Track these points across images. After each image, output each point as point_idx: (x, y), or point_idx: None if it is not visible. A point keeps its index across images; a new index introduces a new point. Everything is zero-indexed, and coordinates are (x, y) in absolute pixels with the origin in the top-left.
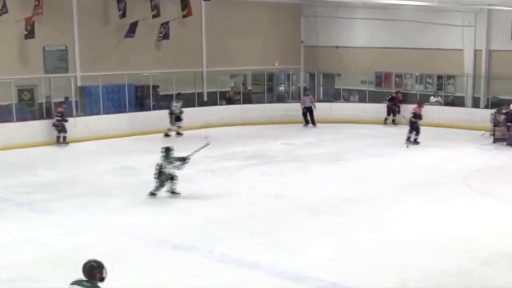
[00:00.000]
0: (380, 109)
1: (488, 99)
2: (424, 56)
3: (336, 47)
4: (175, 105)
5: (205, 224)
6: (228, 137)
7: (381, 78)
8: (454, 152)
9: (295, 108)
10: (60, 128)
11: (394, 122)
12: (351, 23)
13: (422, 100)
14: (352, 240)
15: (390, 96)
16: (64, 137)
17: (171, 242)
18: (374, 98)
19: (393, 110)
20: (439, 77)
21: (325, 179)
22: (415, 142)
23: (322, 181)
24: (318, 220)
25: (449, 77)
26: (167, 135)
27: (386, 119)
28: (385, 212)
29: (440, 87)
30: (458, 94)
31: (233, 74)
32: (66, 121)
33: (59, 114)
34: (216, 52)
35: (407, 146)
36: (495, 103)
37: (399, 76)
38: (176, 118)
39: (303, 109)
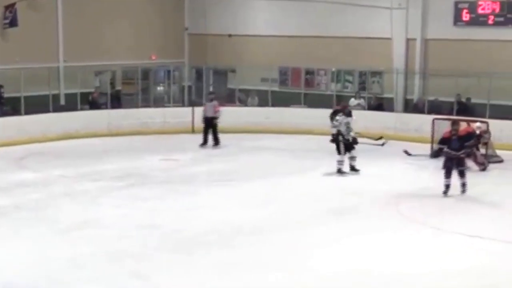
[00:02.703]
0: (286, 114)
1: (424, 102)
2: (342, 47)
3: (230, 35)
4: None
5: (60, 265)
6: (91, 151)
7: (287, 75)
8: (382, 169)
9: (177, 114)
10: None
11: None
12: (248, 5)
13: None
14: (251, 282)
15: (333, 111)
16: None
17: None
18: (278, 100)
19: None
20: (362, 74)
21: (217, 204)
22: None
23: (213, 207)
24: (208, 256)
25: (375, 74)
26: None
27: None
28: (295, 245)
29: (363, 87)
30: (386, 95)
31: (98, 70)
32: None
33: None
34: (76, 42)
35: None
36: (434, 107)
37: (310, 72)
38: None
39: (204, 119)
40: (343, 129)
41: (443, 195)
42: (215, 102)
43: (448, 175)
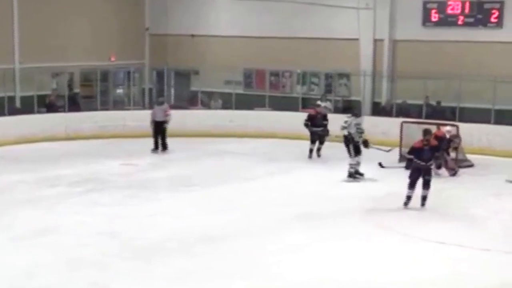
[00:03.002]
0: (251, 118)
1: (392, 104)
2: (308, 48)
3: (192, 35)
4: None
5: (17, 273)
6: (49, 156)
7: (252, 77)
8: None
9: (138, 117)
10: None
11: (319, 153)
12: (212, 4)
13: (306, 105)
14: None
15: (308, 117)
16: None
17: None
18: (242, 103)
19: (317, 134)
20: (328, 76)
21: (178, 210)
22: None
23: (174, 214)
24: (169, 265)
25: (342, 76)
26: None
27: (311, 151)
28: (260, 252)
29: (329, 89)
30: (353, 97)
31: (55, 72)
32: None
33: None
34: (32, 43)
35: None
36: (403, 110)
37: (275, 74)
38: None
39: (153, 124)
40: (352, 131)
41: (404, 207)
42: (165, 106)
43: (411, 186)
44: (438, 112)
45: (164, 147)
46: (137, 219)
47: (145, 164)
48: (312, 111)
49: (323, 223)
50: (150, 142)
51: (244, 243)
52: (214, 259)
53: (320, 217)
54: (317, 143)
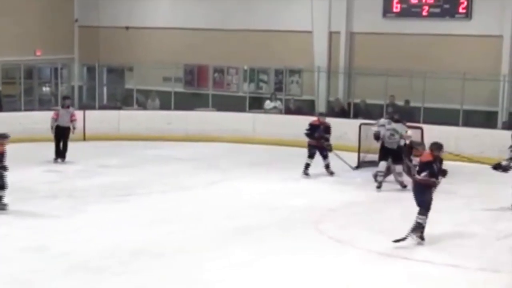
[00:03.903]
0: (192, 119)
1: (350, 103)
2: (256, 42)
3: (127, 28)
4: None
5: None
6: None
7: (193, 74)
8: (300, 181)
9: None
10: None
11: (329, 170)
12: None
13: (254, 105)
14: None
15: (309, 126)
16: None
17: None
18: (183, 102)
19: (320, 149)
20: (278, 72)
21: (110, 223)
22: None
23: (105, 226)
24: (103, 284)
25: (293, 72)
26: None
27: (307, 166)
28: (199, 270)
29: (279, 87)
30: (306, 97)
31: None
32: None
33: None
34: None
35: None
36: (363, 111)
37: (219, 70)
38: None
39: (55, 129)
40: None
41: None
42: (71, 109)
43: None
44: (406, 113)
45: (64, 155)
46: (66, 233)
47: (73, 171)
48: (315, 121)
49: (270, 236)
50: (80, 146)
51: (182, 259)
52: (149, 277)
53: (267, 230)
54: (323, 161)
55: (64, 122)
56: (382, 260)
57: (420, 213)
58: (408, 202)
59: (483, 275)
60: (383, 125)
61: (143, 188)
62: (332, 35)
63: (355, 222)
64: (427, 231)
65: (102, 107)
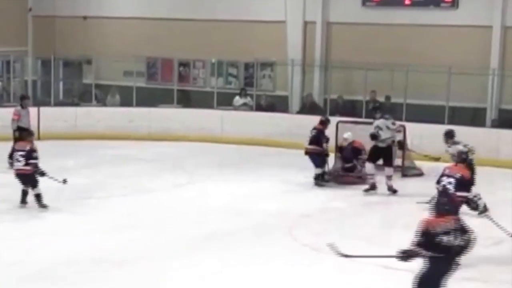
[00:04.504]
0: (155, 117)
1: (326, 100)
2: (224, 33)
3: (85, 17)
4: None
5: None
6: None
7: (157, 68)
8: (272, 184)
9: None
10: None
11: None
12: None
13: (223, 102)
14: None
15: (315, 130)
16: None
17: None
18: (145, 99)
19: (320, 156)
20: (249, 66)
21: (67, 229)
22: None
23: (62, 233)
24: None
25: (265, 66)
26: None
27: (322, 175)
28: (165, 279)
29: (250, 82)
30: (279, 92)
31: None
32: None
33: None
34: None
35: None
36: (340, 107)
37: (184, 64)
38: None
39: (17, 131)
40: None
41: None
42: (27, 109)
43: None
44: (387, 110)
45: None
46: (19, 240)
47: None
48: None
49: (240, 244)
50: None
51: (144, 269)
52: (107, 286)
53: (237, 236)
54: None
55: (26, 123)
56: (360, 269)
57: None
58: (388, 207)
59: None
60: (381, 128)
61: (103, 191)
62: (307, 25)
63: (331, 228)
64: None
65: (58, 104)
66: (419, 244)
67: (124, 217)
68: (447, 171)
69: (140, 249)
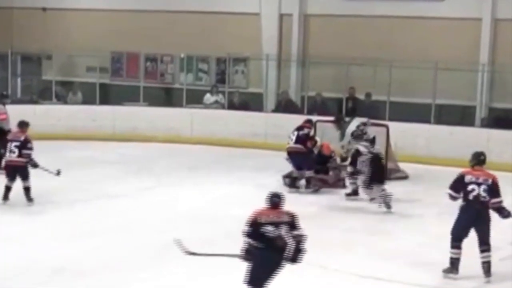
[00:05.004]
0: (120, 115)
1: (303, 97)
2: (194, 26)
3: (44, 9)
4: None
5: None
6: None
7: (122, 63)
8: (245, 188)
9: None
10: None
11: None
12: None
13: (193, 100)
14: None
15: (305, 129)
16: None
17: None
18: (109, 96)
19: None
20: (220, 61)
21: (23, 236)
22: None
23: (18, 241)
24: None
25: (238, 61)
26: None
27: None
28: None
29: (221, 78)
30: (252, 89)
31: None
32: None
33: None
34: None
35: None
36: (318, 105)
37: (152, 59)
38: None
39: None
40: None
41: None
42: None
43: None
44: (368, 109)
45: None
46: None
47: None
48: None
49: (215, 251)
50: None
51: (107, 279)
52: None
53: (208, 244)
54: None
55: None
56: (341, 277)
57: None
58: (367, 213)
59: None
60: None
61: (63, 196)
62: (283, 18)
63: (312, 236)
64: (391, 246)
65: (16, 101)
66: (248, 235)
67: (85, 224)
68: (473, 179)
69: (104, 258)
